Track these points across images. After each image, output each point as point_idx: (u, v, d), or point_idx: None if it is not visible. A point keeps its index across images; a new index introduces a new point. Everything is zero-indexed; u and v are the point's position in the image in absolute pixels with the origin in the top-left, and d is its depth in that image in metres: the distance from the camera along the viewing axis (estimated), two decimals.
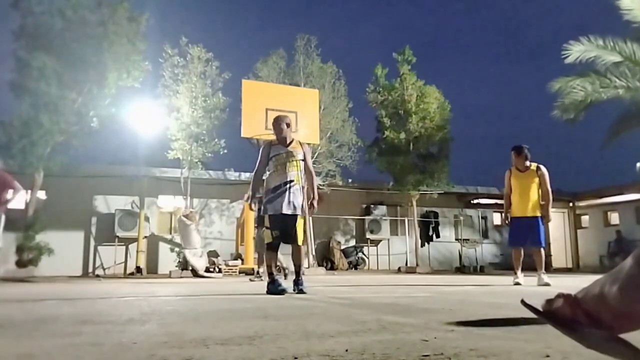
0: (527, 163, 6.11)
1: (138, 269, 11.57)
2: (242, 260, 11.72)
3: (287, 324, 2.29)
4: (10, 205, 7.30)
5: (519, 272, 6.04)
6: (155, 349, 1.63)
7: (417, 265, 13.47)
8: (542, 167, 6.16)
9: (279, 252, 4.89)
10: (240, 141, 12.13)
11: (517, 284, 5.90)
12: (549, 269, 16.19)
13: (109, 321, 2.47)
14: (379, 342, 1.75)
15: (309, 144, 12.42)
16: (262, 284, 5.13)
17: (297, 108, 11.09)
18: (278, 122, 4.82)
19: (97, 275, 11.88)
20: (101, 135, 11.60)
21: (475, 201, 16.32)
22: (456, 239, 16.11)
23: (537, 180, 6.08)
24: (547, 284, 5.66)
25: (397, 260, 14.96)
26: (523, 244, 6.11)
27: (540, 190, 6.10)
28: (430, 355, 1.49)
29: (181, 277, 10.22)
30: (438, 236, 16.29)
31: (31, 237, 10.42)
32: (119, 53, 10.67)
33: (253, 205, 6.18)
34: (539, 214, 6.03)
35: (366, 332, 2.01)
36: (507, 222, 6.27)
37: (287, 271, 8.09)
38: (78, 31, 10.31)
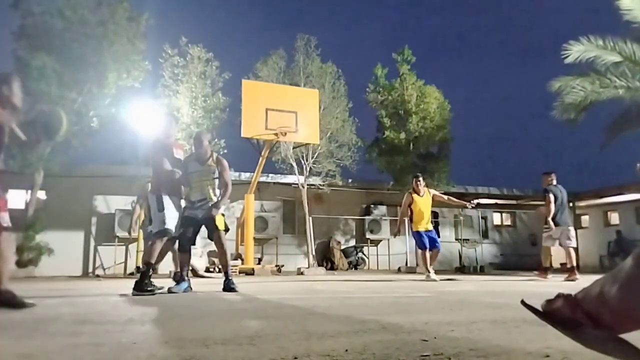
0: (423, 189, 8.10)
1: (138, 269, 11.54)
2: (242, 260, 11.70)
3: (287, 324, 2.29)
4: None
5: (431, 270, 7.60)
6: (155, 349, 1.63)
7: (417, 265, 13.44)
8: (431, 190, 8.43)
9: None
10: (240, 141, 12.11)
11: (434, 280, 7.19)
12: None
13: (109, 321, 2.47)
14: (379, 342, 1.75)
15: (309, 144, 12.65)
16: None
17: (297, 108, 11.08)
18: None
19: (97, 275, 11.87)
20: (101, 135, 11.60)
21: (475, 201, 16.28)
22: (456, 239, 16.10)
23: (431, 201, 8.17)
24: (434, 280, 7.14)
25: (397, 260, 14.94)
26: (432, 248, 8.04)
27: (445, 199, 8.51)
28: (430, 355, 1.49)
29: None
30: (438, 236, 16.23)
31: (31, 237, 10.42)
32: (118, 53, 10.67)
33: None
34: (432, 227, 8.21)
35: (366, 332, 2.01)
36: (397, 234, 8.99)
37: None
38: (78, 31, 10.31)
